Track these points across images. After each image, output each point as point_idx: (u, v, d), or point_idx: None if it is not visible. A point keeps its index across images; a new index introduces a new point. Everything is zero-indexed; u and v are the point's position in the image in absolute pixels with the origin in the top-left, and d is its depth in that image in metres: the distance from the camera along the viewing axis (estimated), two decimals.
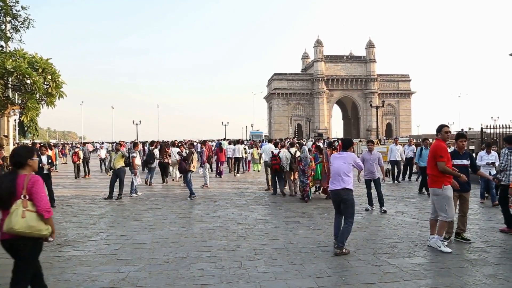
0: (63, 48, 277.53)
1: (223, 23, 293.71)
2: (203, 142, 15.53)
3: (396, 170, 14.54)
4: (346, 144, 6.18)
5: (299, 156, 10.75)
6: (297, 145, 13.42)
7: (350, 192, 5.66)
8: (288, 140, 23.57)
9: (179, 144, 15.43)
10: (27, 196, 3.20)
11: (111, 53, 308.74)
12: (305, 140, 38.78)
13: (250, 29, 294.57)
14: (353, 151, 6.29)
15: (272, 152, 11.71)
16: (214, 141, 29.73)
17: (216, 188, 13.19)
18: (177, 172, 14.71)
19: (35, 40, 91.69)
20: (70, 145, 55.07)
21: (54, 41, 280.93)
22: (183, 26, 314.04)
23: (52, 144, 30.24)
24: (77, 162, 18.00)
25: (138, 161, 12.17)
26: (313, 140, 28.29)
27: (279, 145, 12.47)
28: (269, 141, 17.79)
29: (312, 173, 10.32)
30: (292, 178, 11.34)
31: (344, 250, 5.45)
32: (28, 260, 3.28)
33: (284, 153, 11.31)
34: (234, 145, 18.75)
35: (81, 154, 18.41)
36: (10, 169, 3.38)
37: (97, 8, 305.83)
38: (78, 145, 31.68)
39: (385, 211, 8.53)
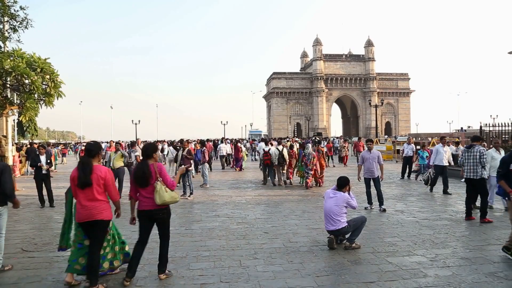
0: (61, 48, 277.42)
1: (222, 22, 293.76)
2: (203, 142, 15.50)
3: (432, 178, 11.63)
4: (340, 184, 5.92)
5: (303, 152, 12.60)
6: (284, 143, 16.23)
7: (346, 227, 5.69)
8: (279, 139, 24.93)
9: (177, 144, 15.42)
10: (160, 178, 4.39)
11: (110, 53, 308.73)
12: (304, 139, 38.73)
13: (249, 28, 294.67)
14: (349, 190, 5.98)
15: (264, 150, 13.70)
16: (215, 140, 29.83)
17: (215, 187, 13.19)
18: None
19: (34, 40, 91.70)
20: (70, 145, 55.18)
21: (52, 41, 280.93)
22: (182, 25, 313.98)
23: (51, 144, 30.23)
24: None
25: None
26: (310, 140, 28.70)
27: (269, 143, 14.62)
28: (262, 140, 19.78)
29: (314, 167, 12.38)
30: (281, 171, 13.53)
31: (354, 245, 5.63)
32: (167, 222, 4.63)
33: (273, 150, 13.32)
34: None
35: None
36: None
37: (96, 8, 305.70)
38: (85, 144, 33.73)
39: (384, 210, 8.54)
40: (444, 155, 11.17)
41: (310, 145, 13.08)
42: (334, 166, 21.26)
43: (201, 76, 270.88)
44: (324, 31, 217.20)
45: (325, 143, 24.92)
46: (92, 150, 4.39)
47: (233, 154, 21.03)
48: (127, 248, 4.89)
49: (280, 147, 13.59)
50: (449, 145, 12.83)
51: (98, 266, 4.36)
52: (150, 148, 4.65)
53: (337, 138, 38.59)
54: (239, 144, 21.15)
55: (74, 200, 4.46)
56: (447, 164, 11.35)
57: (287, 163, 13.48)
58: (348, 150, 23.76)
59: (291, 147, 14.35)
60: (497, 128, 16.65)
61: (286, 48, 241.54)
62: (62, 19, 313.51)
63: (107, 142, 27.35)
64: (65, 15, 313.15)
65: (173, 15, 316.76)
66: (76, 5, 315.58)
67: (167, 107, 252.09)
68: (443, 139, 11.84)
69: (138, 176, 4.44)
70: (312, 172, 12.29)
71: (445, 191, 10.98)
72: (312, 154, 12.27)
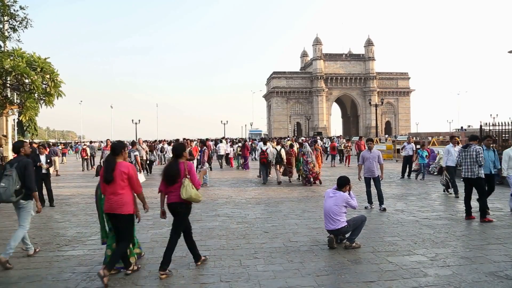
0: (61, 48, 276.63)
1: (222, 22, 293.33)
2: (203, 142, 15.51)
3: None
4: (340, 183, 5.93)
5: (302, 151, 13.31)
6: (284, 143, 16.94)
7: (345, 227, 5.68)
8: (279, 138, 25.36)
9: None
10: (188, 176, 4.69)
11: (110, 52, 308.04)
12: (303, 138, 38.67)
13: (249, 28, 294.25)
14: (350, 189, 6.04)
15: (261, 149, 14.26)
16: (217, 139, 29.87)
17: (215, 187, 13.19)
18: None
19: (34, 40, 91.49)
20: (70, 144, 55.32)
21: (52, 40, 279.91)
22: (182, 25, 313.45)
23: (51, 144, 30.22)
24: (85, 157, 21.75)
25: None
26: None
27: (267, 143, 15.09)
28: (261, 139, 19.92)
29: (312, 165, 12.92)
30: (279, 169, 13.89)
31: (354, 244, 5.62)
32: (183, 217, 4.90)
33: (271, 150, 13.94)
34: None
35: (88, 151, 22.10)
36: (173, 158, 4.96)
37: (96, 8, 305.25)
38: (87, 143, 35.27)
39: (384, 209, 8.53)
40: (456, 155, 10.43)
41: (307, 144, 13.99)
42: (334, 166, 21.16)
43: (201, 76, 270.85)
44: (324, 30, 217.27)
45: (329, 143, 24.89)
46: (116, 148, 4.74)
47: (241, 153, 21.03)
48: (136, 250, 5.16)
49: (278, 147, 14.04)
50: (458, 144, 12.61)
51: (118, 257, 4.59)
52: (179, 148, 5.00)
53: (337, 137, 38.38)
54: (247, 143, 21.42)
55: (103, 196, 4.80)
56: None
57: (285, 162, 13.79)
58: (351, 150, 23.46)
59: (291, 146, 14.62)
60: (497, 128, 16.63)
61: (286, 48, 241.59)
62: (62, 19, 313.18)
63: (104, 142, 27.88)
64: (65, 15, 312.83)
65: (173, 15, 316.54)
66: (76, 5, 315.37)
67: (167, 106, 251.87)
68: (453, 138, 11.23)
69: (167, 174, 4.79)
70: (311, 168, 12.86)
71: (456, 192, 10.48)
72: (310, 152, 13.00)
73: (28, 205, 5.38)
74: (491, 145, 8.67)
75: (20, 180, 5.21)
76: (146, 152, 17.40)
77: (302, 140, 25.98)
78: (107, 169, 4.57)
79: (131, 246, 4.91)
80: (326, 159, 23.77)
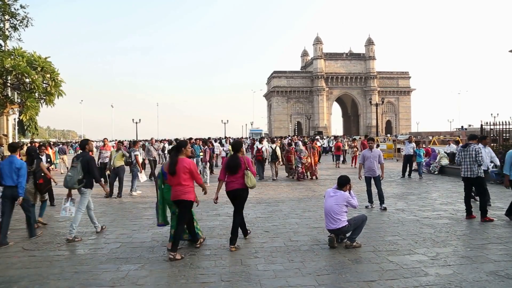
0: (62, 47, 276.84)
1: (223, 21, 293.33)
2: (205, 142, 15.50)
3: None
4: (341, 182, 5.91)
5: (296, 149, 14.47)
6: (278, 141, 18.80)
7: (346, 226, 5.68)
8: (275, 138, 25.37)
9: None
10: (248, 168, 5.79)
11: (111, 51, 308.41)
12: (304, 137, 38.62)
13: (250, 27, 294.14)
14: (350, 189, 5.95)
15: (257, 147, 15.11)
16: (219, 139, 29.79)
17: (215, 186, 13.17)
18: None
19: (34, 39, 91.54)
20: (70, 143, 55.35)
21: (53, 40, 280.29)
22: (183, 25, 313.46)
23: (52, 143, 30.26)
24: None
25: (140, 158, 12.26)
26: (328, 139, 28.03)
27: (263, 141, 16.27)
28: (261, 139, 20.28)
29: (306, 160, 14.21)
30: (275, 167, 14.73)
31: (355, 244, 5.63)
32: (244, 201, 5.99)
33: (266, 148, 14.85)
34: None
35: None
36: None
37: (97, 7, 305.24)
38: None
39: (385, 209, 8.53)
40: (487, 157, 9.01)
41: (300, 143, 15.34)
42: (338, 167, 20.09)
43: (201, 76, 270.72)
44: (324, 29, 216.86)
45: (334, 142, 24.02)
46: (179, 147, 5.59)
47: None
48: (198, 226, 6.15)
49: (274, 145, 15.14)
50: (449, 144, 12.50)
51: (180, 237, 5.45)
52: (238, 145, 6.21)
53: (339, 137, 38.27)
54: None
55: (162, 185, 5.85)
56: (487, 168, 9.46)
57: (280, 160, 15.06)
58: (357, 149, 20.98)
59: (289, 144, 15.77)
60: (498, 127, 16.62)
61: (287, 47, 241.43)
62: (63, 18, 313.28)
63: (102, 141, 27.62)
64: (65, 15, 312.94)
65: (173, 15, 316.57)
66: (76, 5, 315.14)
67: (167, 106, 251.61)
68: (484, 139, 9.20)
69: (230, 166, 5.83)
70: (303, 163, 14.21)
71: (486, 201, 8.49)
72: (303, 149, 14.38)
73: (87, 192, 6.49)
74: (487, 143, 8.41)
75: (83, 172, 6.29)
76: (158, 153, 16.89)
77: (293, 138, 26.00)
78: (171, 164, 5.43)
79: (197, 225, 6.01)
80: (319, 160, 23.45)
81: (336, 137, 29.71)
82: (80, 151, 6.77)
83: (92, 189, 6.59)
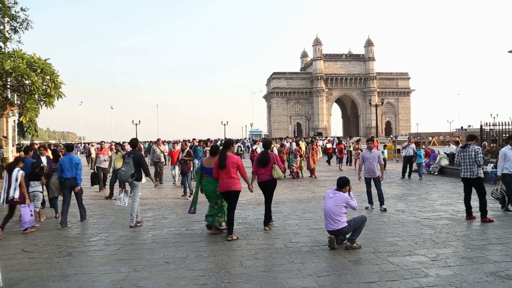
0: (61, 48, 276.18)
1: (222, 22, 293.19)
2: (205, 142, 15.48)
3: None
4: (340, 184, 5.91)
5: (289, 148, 16.40)
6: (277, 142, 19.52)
7: (346, 227, 5.67)
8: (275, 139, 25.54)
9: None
10: (276, 162, 6.95)
11: (110, 52, 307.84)
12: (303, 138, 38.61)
13: (249, 28, 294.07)
14: (350, 190, 5.98)
15: (251, 148, 17.22)
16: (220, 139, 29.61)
17: None
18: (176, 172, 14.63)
19: (33, 40, 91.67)
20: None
21: (52, 41, 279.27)
22: (182, 25, 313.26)
23: (52, 145, 30.28)
24: (91, 157, 21.93)
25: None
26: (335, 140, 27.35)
27: (257, 142, 17.71)
28: (255, 141, 21.14)
29: (298, 159, 15.58)
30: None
31: (355, 245, 5.62)
32: (272, 190, 7.14)
33: (260, 148, 15.67)
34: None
35: (93, 150, 22.12)
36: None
37: (96, 8, 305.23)
38: (93, 144, 36.04)
39: (385, 210, 8.53)
40: None
41: (294, 143, 17.54)
42: (342, 170, 19.07)
43: (201, 76, 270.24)
44: (324, 30, 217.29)
45: (336, 144, 23.38)
46: (227, 145, 6.67)
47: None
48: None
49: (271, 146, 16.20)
50: (449, 145, 12.55)
51: (233, 221, 6.40)
52: (268, 143, 7.73)
53: (338, 138, 38.17)
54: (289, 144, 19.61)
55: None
56: None
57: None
58: (361, 151, 20.41)
59: (282, 145, 17.10)
60: (497, 127, 16.63)
61: (286, 48, 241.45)
62: (62, 19, 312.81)
63: (99, 144, 27.33)
64: (65, 15, 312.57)
65: (173, 15, 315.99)
66: (76, 5, 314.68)
67: (167, 107, 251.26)
68: (511, 139, 8.20)
69: (261, 160, 7.00)
70: (296, 165, 15.52)
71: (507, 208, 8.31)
72: (296, 149, 15.87)
73: (139, 185, 7.51)
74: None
75: (134, 167, 7.20)
76: (164, 155, 16.01)
77: (285, 140, 26.26)
78: (221, 159, 6.31)
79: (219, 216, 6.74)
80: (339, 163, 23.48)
81: (338, 138, 28.94)
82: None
83: (141, 181, 7.63)
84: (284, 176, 8.04)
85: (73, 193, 7.79)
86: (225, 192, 6.34)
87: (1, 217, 6.96)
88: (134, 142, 7.79)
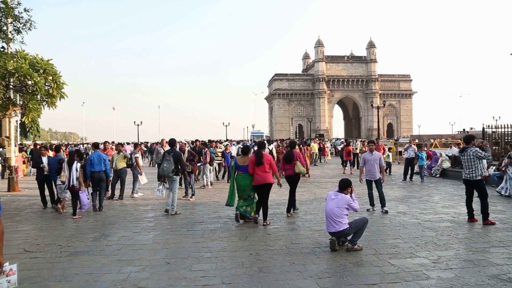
0: (63, 48, 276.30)
1: (224, 23, 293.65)
2: (205, 144, 15.49)
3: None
4: (342, 186, 5.91)
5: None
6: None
7: (347, 229, 5.67)
8: (277, 140, 25.72)
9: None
10: (299, 159, 8.10)
11: (112, 53, 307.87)
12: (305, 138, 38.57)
13: (251, 29, 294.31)
14: (352, 192, 5.99)
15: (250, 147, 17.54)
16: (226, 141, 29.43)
17: (217, 188, 13.19)
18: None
19: (35, 40, 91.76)
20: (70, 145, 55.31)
21: (54, 41, 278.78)
22: (183, 26, 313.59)
23: (53, 145, 30.32)
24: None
25: (141, 161, 12.29)
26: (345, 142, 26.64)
27: (270, 143, 18.71)
28: (268, 141, 21.07)
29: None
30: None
31: (356, 247, 5.63)
32: (296, 183, 8.33)
33: (270, 148, 16.54)
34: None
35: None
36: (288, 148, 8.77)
37: (97, 8, 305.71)
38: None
39: (386, 212, 8.52)
40: None
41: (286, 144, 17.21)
42: (347, 173, 18.05)
43: (202, 77, 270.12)
44: (325, 32, 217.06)
45: (343, 146, 22.11)
46: (261, 145, 7.90)
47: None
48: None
49: (271, 146, 16.69)
50: (451, 147, 12.50)
51: (267, 209, 7.50)
52: (293, 143, 8.80)
53: (339, 139, 38.15)
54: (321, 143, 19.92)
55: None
56: None
57: (275, 159, 16.09)
58: None
59: (278, 146, 17.58)
60: (499, 130, 16.60)
61: (288, 50, 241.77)
62: (63, 19, 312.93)
63: (102, 144, 27.28)
64: (66, 16, 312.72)
65: (173, 15, 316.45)
66: (76, 6, 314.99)
67: (168, 107, 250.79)
68: None
69: (287, 158, 8.26)
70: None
71: None
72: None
73: (177, 179, 8.73)
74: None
75: (174, 163, 8.36)
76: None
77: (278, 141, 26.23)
78: (258, 157, 7.39)
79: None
80: (318, 160, 23.91)
81: (346, 140, 27.32)
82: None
83: (179, 175, 9.13)
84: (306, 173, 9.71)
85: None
86: (261, 185, 7.34)
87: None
88: (172, 142, 8.90)
